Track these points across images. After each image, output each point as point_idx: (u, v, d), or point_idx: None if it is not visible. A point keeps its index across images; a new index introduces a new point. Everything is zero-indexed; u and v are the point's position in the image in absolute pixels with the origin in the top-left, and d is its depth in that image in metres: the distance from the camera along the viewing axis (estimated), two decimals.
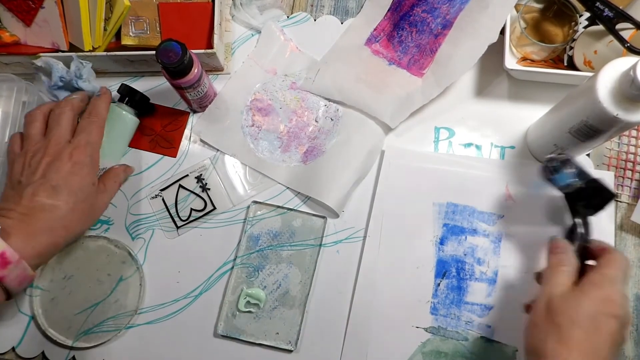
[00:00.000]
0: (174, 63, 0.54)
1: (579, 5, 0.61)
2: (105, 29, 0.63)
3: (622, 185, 0.63)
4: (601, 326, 0.43)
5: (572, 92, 0.52)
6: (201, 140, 0.65)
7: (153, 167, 0.65)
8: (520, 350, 0.58)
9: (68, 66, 0.59)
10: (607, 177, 0.62)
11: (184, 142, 0.66)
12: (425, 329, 0.59)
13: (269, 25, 0.68)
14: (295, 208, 0.63)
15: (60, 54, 0.62)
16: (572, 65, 0.62)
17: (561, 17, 0.63)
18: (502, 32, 0.61)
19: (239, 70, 0.67)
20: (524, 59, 0.64)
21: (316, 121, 0.65)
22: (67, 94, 0.62)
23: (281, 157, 0.64)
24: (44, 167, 0.52)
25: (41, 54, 0.61)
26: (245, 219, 0.63)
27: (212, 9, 0.63)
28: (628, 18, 0.56)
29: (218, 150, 0.65)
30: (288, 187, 0.64)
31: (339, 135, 0.64)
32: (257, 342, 0.58)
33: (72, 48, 0.63)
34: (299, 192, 0.63)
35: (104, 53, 0.62)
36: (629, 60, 0.46)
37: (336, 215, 0.62)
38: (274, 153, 0.65)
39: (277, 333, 0.59)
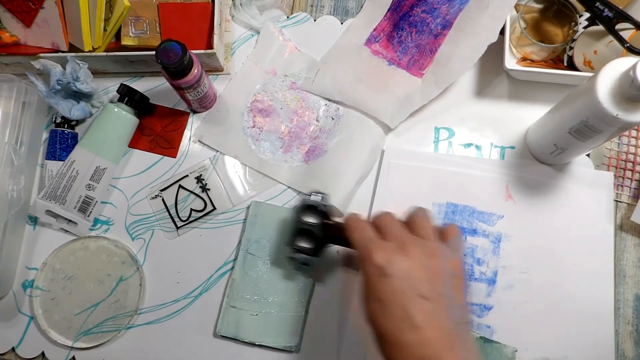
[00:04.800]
0: (174, 63, 0.54)
1: (579, 6, 0.61)
2: (105, 29, 0.63)
3: (622, 185, 0.63)
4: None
5: (572, 92, 0.52)
6: (203, 143, 0.65)
7: (153, 168, 0.65)
8: (520, 350, 0.58)
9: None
10: (606, 177, 0.62)
11: (184, 143, 0.66)
12: None
13: (267, 26, 0.68)
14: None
15: (60, 54, 0.62)
16: (572, 66, 0.62)
17: (561, 17, 0.63)
18: (502, 32, 0.61)
19: (239, 72, 0.67)
20: (523, 59, 0.64)
21: (317, 120, 0.65)
22: (66, 100, 0.63)
23: (283, 158, 0.64)
24: None
25: (41, 55, 0.62)
26: (245, 219, 0.63)
27: (212, 9, 0.63)
28: (628, 18, 0.56)
29: (219, 151, 0.65)
30: (290, 187, 0.64)
31: (341, 134, 0.64)
32: (257, 342, 0.58)
33: (72, 48, 0.63)
34: (299, 193, 0.63)
35: (104, 53, 0.62)
36: (628, 61, 0.46)
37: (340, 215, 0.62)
38: (275, 153, 0.65)
39: (278, 333, 0.59)
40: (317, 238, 0.54)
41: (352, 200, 0.63)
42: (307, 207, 0.55)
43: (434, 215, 0.62)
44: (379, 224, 0.48)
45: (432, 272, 0.43)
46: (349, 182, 0.62)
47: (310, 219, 0.54)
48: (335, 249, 0.61)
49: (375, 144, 0.64)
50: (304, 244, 0.55)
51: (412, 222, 0.48)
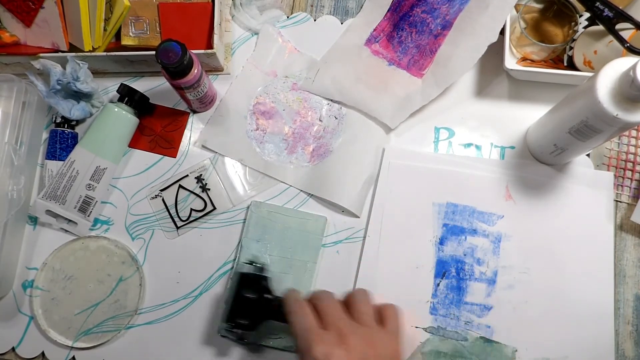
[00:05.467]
0: (174, 63, 0.54)
1: (579, 5, 0.61)
2: (105, 29, 0.63)
3: (622, 185, 0.63)
4: None
5: (572, 92, 0.52)
6: (207, 148, 0.65)
7: (153, 168, 0.65)
8: (520, 350, 0.58)
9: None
10: (606, 177, 0.62)
11: (184, 142, 0.66)
12: (425, 329, 0.59)
13: (266, 28, 0.68)
14: (295, 208, 0.63)
15: (60, 54, 0.62)
16: (572, 65, 0.62)
17: (561, 17, 0.63)
18: (502, 32, 0.61)
19: (240, 76, 0.67)
20: (523, 59, 0.64)
21: (320, 120, 0.65)
22: (66, 100, 0.63)
23: (288, 159, 0.64)
24: None
25: (41, 54, 0.62)
26: (245, 219, 0.63)
27: (212, 9, 0.63)
28: (628, 18, 0.56)
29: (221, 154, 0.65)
30: (301, 190, 0.63)
31: (345, 133, 0.64)
32: (257, 342, 0.58)
33: (72, 48, 0.63)
34: (298, 192, 0.63)
35: (104, 53, 0.62)
36: (628, 61, 0.46)
37: (356, 216, 0.62)
38: (280, 155, 0.65)
39: (278, 333, 0.59)
40: (255, 313, 0.53)
41: (365, 202, 0.63)
42: (246, 280, 0.54)
43: (435, 215, 0.62)
44: (320, 309, 0.48)
45: None
46: (356, 182, 0.62)
47: (249, 294, 0.53)
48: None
49: (379, 143, 0.64)
50: (241, 320, 0.52)
51: (352, 306, 0.49)
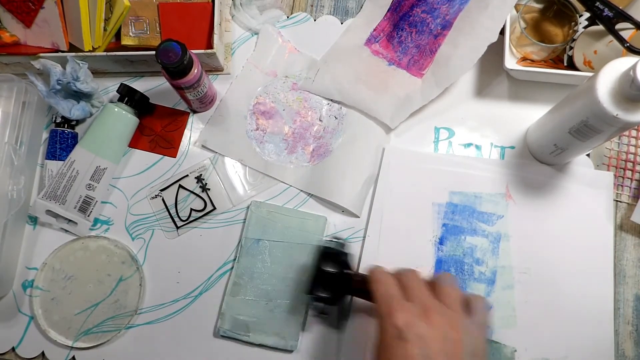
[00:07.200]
0: (174, 63, 0.54)
1: (579, 5, 0.61)
2: (105, 29, 0.63)
3: (622, 185, 0.63)
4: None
5: (572, 92, 0.52)
6: (207, 148, 0.65)
7: (153, 167, 0.65)
8: (520, 350, 0.58)
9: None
10: (606, 177, 0.62)
11: (184, 142, 0.66)
12: None
13: (265, 28, 0.68)
14: (295, 208, 0.63)
15: (60, 54, 0.62)
16: (572, 65, 0.62)
17: (561, 17, 0.63)
18: (502, 32, 0.61)
19: (240, 75, 0.67)
20: (523, 59, 0.64)
21: (320, 120, 0.65)
22: (66, 99, 0.63)
23: (288, 159, 0.64)
24: None
25: (41, 55, 0.62)
26: (245, 219, 0.63)
27: (212, 9, 0.63)
28: (628, 18, 0.56)
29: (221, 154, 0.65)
30: (301, 190, 0.63)
31: (345, 133, 0.64)
32: (257, 342, 0.59)
33: (72, 48, 0.63)
34: (298, 193, 0.63)
35: (104, 53, 0.62)
36: (628, 61, 0.46)
37: (356, 216, 0.62)
38: (280, 155, 0.65)
39: (277, 333, 0.59)
40: (336, 287, 0.53)
41: (365, 202, 0.63)
42: (327, 255, 0.54)
43: (434, 214, 0.62)
44: (404, 283, 0.47)
45: (452, 346, 0.41)
46: (356, 182, 0.62)
47: (330, 268, 0.53)
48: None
49: (379, 143, 0.64)
50: (322, 293, 0.53)
51: (438, 287, 0.46)
